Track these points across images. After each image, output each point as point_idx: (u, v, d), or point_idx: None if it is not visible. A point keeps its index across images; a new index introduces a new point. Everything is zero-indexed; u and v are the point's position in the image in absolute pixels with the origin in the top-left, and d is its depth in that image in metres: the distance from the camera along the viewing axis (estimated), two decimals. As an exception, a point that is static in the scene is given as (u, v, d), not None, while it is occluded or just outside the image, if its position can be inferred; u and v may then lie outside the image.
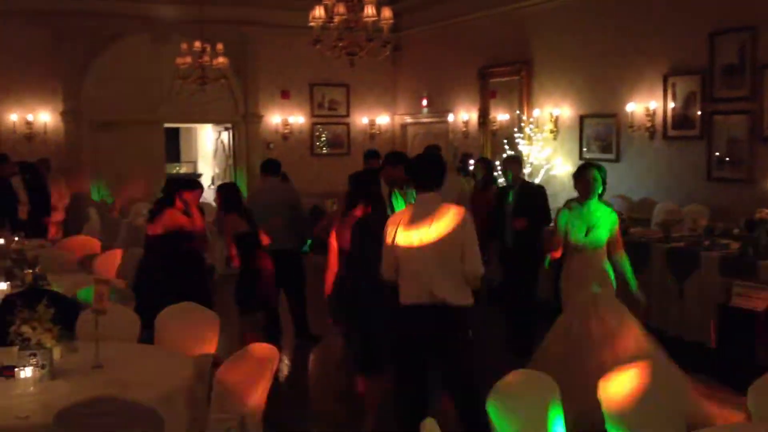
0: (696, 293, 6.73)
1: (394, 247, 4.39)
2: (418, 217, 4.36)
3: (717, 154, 8.86)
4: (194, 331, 4.71)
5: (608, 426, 3.43)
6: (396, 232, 4.39)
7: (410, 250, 4.34)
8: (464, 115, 13.18)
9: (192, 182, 7.15)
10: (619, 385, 3.49)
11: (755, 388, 3.43)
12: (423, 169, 4.54)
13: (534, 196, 7.32)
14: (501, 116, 12.33)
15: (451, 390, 4.51)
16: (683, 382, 3.64)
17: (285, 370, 6.82)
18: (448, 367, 4.43)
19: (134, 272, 6.72)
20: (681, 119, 9.29)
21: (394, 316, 4.52)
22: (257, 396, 3.98)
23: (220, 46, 10.93)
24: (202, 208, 7.32)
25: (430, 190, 4.43)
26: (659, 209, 9.01)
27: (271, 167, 7.89)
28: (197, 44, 10.78)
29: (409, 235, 4.34)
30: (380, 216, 5.14)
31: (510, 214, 7.20)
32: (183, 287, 6.02)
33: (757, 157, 8.37)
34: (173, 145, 16.82)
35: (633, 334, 5.36)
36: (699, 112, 9.02)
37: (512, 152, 10.74)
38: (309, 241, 7.94)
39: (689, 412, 3.78)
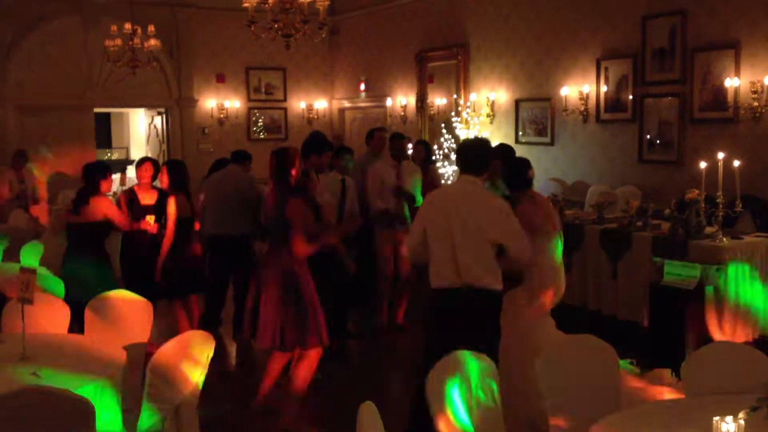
0: (629, 273, 6.86)
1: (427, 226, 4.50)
2: (456, 199, 4.48)
3: (648, 136, 9.05)
4: (126, 320, 4.59)
5: (545, 403, 3.46)
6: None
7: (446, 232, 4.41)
8: (402, 99, 13.16)
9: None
10: (555, 362, 3.52)
11: (687, 365, 3.51)
12: (470, 153, 4.65)
13: None
14: (438, 100, 12.35)
15: None
16: (615, 360, 3.68)
17: (221, 358, 6.71)
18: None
19: (60, 260, 6.49)
20: (613, 102, 9.46)
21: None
22: (192, 385, 3.89)
23: (151, 28, 10.64)
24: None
25: (472, 173, 4.54)
26: (593, 191, 9.16)
27: (237, 157, 7.86)
28: (127, 26, 10.47)
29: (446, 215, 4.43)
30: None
31: None
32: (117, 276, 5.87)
33: (687, 139, 8.59)
34: (104, 131, 16.39)
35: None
36: (631, 96, 9.20)
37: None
38: None
39: (623, 390, 3.83)
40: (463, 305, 4.37)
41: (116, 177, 7.34)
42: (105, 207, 6.21)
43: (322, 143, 6.55)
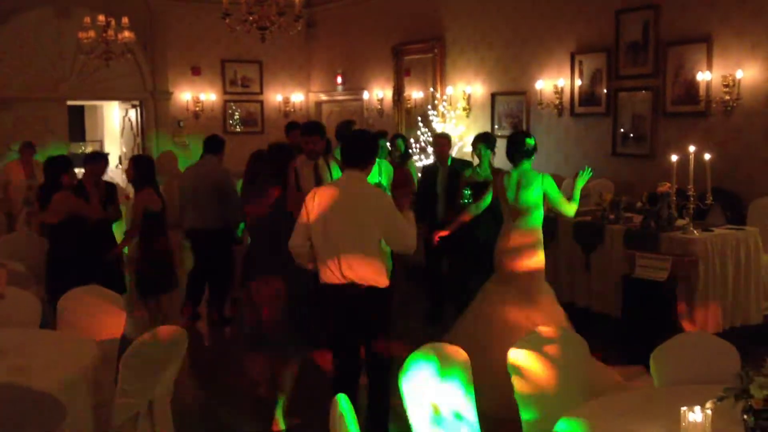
0: (602, 265, 6.93)
1: (311, 223, 4.34)
2: (341, 196, 4.32)
3: (622, 130, 9.13)
4: (99, 315, 4.55)
5: (516, 395, 3.49)
6: (316, 208, 4.31)
7: (329, 229, 4.29)
8: (379, 93, 13.16)
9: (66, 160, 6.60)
10: (526, 353, 3.54)
11: (657, 355, 3.55)
12: (354, 146, 4.47)
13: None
14: (415, 94, 12.36)
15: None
16: (587, 351, 3.72)
17: (196, 351, 6.68)
18: (365, 344, 4.45)
19: (35, 255, 6.42)
20: (588, 96, 9.52)
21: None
22: (165, 379, 3.88)
23: (125, 20, 10.56)
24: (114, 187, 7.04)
25: (357, 167, 4.37)
26: (566, 184, 9.21)
27: (212, 146, 7.60)
28: (101, 18, 10.39)
29: (330, 212, 4.28)
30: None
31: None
32: (90, 272, 5.80)
33: (659, 133, 8.67)
34: (78, 124, 16.22)
35: (542, 306, 5.47)
36: (605, 90, 9.26)
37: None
38: (242, 225, 7.25)
39: (594, 380, 3.88)
40: (348, 302, 4.33)
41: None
42: (68, 202, 6.06)
43: (309, 128, 6.38)
